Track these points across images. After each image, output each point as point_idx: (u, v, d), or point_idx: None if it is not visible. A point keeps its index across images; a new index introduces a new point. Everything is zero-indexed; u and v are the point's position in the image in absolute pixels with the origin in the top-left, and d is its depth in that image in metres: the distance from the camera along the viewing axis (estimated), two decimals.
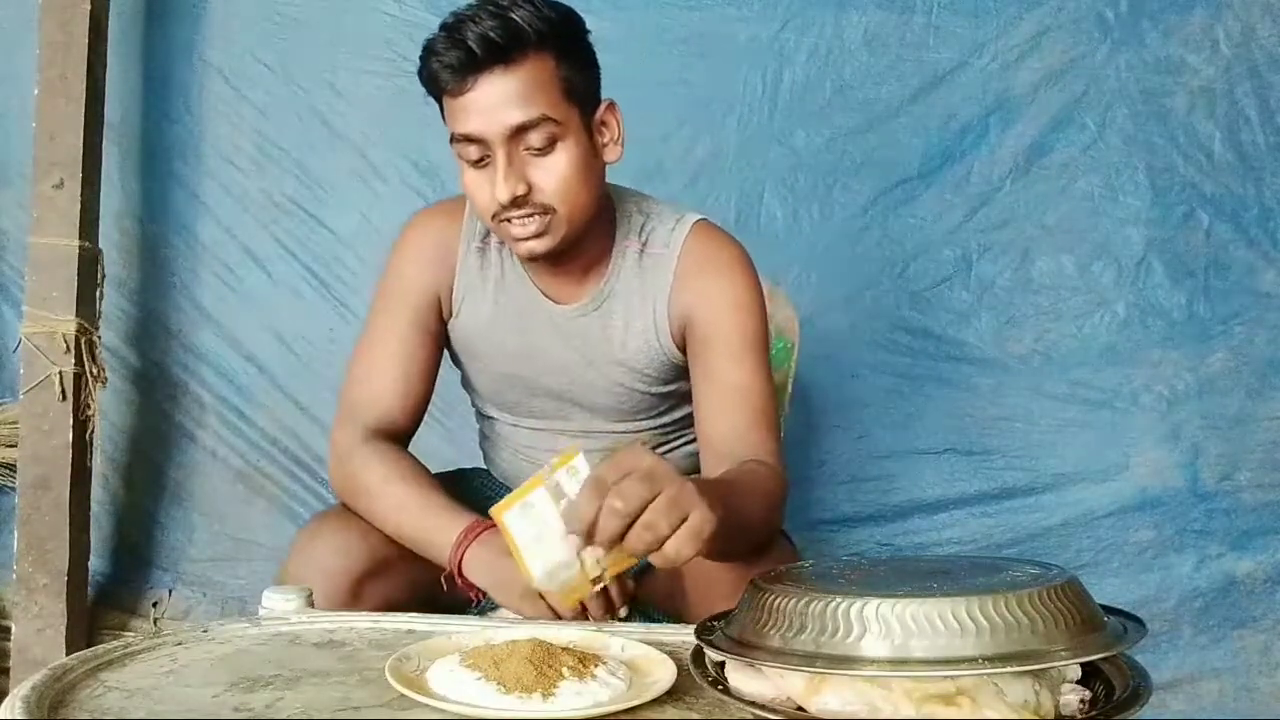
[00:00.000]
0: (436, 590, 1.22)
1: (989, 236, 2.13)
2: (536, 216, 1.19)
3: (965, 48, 2.13)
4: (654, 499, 0.88)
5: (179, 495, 2.24)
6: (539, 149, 1.17)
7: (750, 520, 1.08)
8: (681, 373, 1.35)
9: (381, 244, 2.17)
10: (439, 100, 1.21)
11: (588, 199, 1.22)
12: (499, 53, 1.13)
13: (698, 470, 1.32)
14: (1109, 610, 0.79)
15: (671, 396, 1.39)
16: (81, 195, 2.03)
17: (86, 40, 2.03)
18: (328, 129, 2.22)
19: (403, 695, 0.79)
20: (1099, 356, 2.11)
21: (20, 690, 0.78)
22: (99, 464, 2.12)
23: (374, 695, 0.82)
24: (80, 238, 2.03)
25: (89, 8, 2.03)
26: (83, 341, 2.03)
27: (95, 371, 2.05)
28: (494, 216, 1.20)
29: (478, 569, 1.17)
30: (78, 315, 2.02)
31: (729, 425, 1.25)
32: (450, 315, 1.36)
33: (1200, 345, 2.09)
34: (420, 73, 1.19)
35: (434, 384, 1.37)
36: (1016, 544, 2.09)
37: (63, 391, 2.02)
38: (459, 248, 1.34)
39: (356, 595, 1.20)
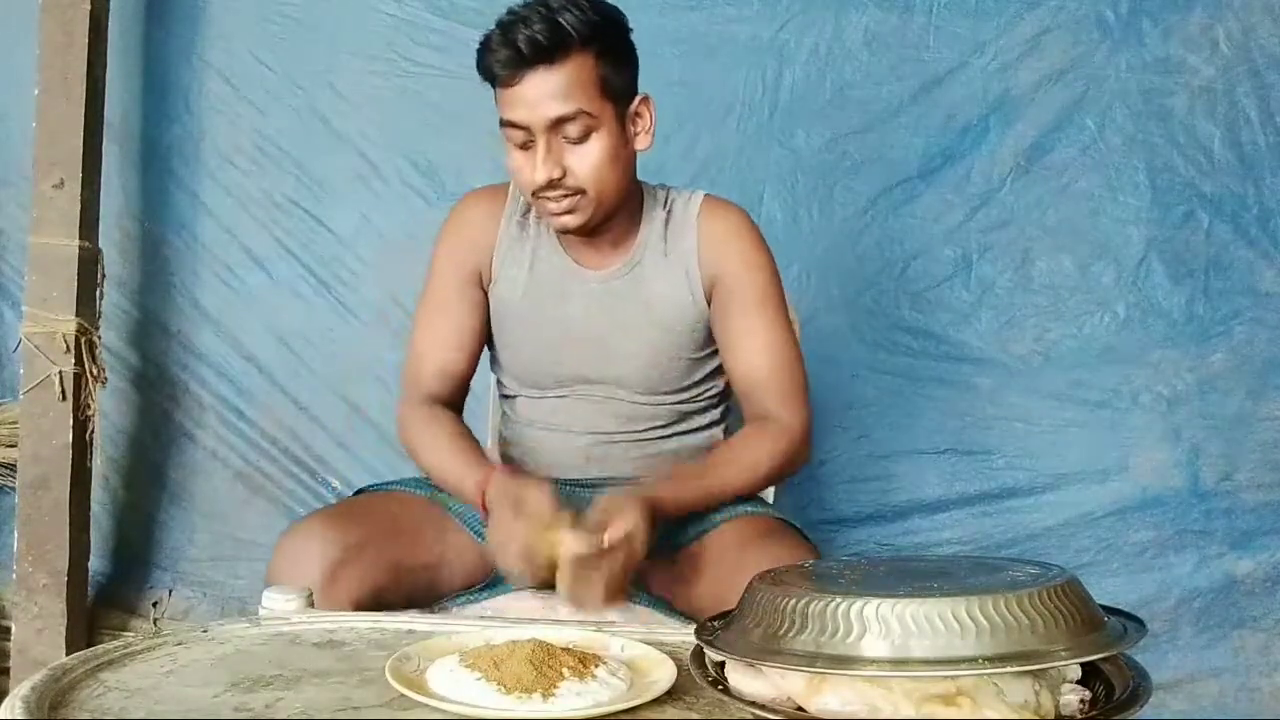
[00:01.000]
0: (429, 574, 1.37)
1: (989, 236, 2.13)
2: (569, 197, 1.34)
3: (965, 48, 2.13)
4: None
5: (179, 495, 2.24)
6: (575, 139, 1.31)
7: (721, 492, 1.35)
8: (706, 339, 1.46)
9: (382, 244, 2.19)
10: (493, 86, 1.34)
11: (617, 182, 1.37)
12: (545, 53, 1.27)
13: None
14: (1109, 610, 0.79)
15: (694, 369, 1.47)
16: (81, 195, 2.03)
17: (86, 40, 2.03)
18: (328, 129, 2.22)
19: (403, 695, 0.79)
20: (1099, 357, 2.11)
21: (20, 690, 0.78)
22: (99, 464, 2.12)
23: (374, 695, 0.82)
24: (80, 238, 2.03)
25: (89, 8, 2.03)
26: (83, 341, 2.03)
27: (95, 371, 2.05)
28: (533, 194, 1.35)
29: (496, 495, 1.28)
30: (78, 315, 2.02)
31: (749, 367, 1.43)
32: (490, 282, 1.48)
33: (1200, 345, 2.09)
34: (478, 63, 1.33)
35: (481, 346, 1.49)
36: (1016, 544, 2.08)
37: (63, 391, 2.02)
38: (500, 222, 1.47)
39: (333, 581, 1.25)
